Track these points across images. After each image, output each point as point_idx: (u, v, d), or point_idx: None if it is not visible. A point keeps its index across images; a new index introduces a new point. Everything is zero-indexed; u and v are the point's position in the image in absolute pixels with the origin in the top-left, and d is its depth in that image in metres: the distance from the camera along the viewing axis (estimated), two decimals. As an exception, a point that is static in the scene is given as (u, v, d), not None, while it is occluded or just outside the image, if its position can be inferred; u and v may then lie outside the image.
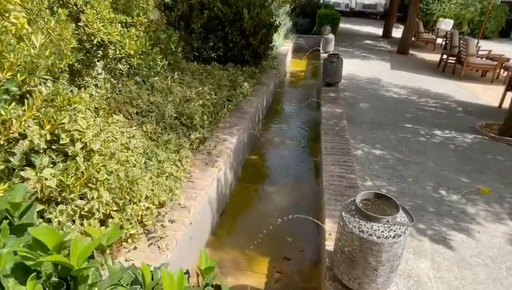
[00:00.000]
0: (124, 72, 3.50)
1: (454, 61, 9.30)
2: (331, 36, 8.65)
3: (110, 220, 2.02)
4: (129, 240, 2.21)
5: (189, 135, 3.34)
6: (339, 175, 3.16)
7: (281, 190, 3.99)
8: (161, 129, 3.16)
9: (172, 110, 3.37)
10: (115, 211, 2.02)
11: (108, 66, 3.57)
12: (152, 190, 2.42)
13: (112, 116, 2.87)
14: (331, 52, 7.54)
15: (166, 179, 2.59)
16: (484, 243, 2.79)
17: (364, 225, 1.69)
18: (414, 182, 3.65)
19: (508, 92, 6.41)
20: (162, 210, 2.50)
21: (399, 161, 4.08)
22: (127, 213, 2.06)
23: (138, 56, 3.51)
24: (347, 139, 3.96)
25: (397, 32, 14.42)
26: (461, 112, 6.15)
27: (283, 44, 9.98)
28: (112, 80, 3.45)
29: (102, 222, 2.02)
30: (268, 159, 4.77)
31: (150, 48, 3.62)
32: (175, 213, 2.53)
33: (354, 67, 8.88)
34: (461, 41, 8.71)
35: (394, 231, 1.66)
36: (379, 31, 15.71)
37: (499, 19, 16.75)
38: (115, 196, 2.03)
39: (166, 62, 3.94)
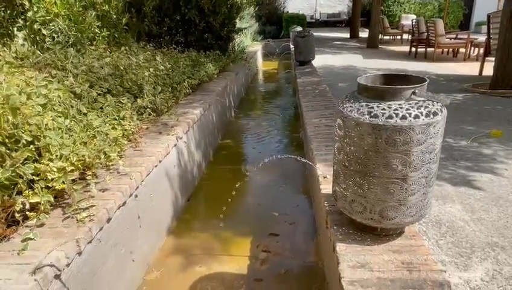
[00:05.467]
0: (49, 38, 2.84)
1: (424, 47, 9.25)
2: (300, 28, 8.38)
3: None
4: (31, 213, 1.48)
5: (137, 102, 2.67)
6: (327, 125, 2.55)
7: (261, 169, 3.32)
8: (98, 94, 2.48)
9: (113, 74, 2.71)
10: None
11: (32, 36, 2.92)
12: (72, 145, 1.71)
13: (24, 73, 2.17)
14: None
15: (94, 138, 1.89)
16: (517, 178, 2.22)
17: (378, 106, 1.06)
18: (414, 135, 3.10)
19: (487, 58, 6.24)
20: (93, 180, 1.78)
21: (392, 120, 3.55)
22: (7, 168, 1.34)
23: (66, 17, 2.87)
24: (330, 98, 3.40)
25: (363, 33, 14.61)
26: (444, 81, 5.83)
27: (252, 45, 9.67)
28: (38, 52, 2.78)
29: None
30: (243, 142, 4.12)
31: (80, 9, 2.99)
32: (110, 180, 1.82)
33: (327, 60, 8.61)
34: (429, 24, 8.66)
35: (426, 107, 1.04)
36: (346, 35, 15.94)
37: (456, 14, 17.47)
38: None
39: (108, 33, 3.31)
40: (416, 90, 1.04)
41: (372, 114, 1.05)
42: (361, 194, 1.16)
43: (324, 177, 1.73)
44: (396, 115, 1.02)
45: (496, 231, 1.68)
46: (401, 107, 1.04)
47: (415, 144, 1.03)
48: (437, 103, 1.07)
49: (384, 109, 1.05)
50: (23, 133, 1.47)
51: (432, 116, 1.02)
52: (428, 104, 1.05)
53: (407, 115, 1.02)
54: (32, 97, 1.77)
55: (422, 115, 1.02)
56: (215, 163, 3.48)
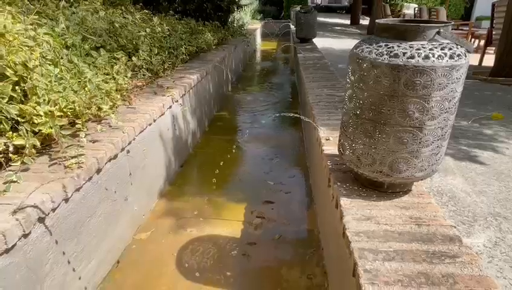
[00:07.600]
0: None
1: (425, 35, 9.15)
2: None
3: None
4: (15, 156, 1.38)
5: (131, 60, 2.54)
6: (328, 94, 2.47)
7: (256, 140, 3.25)
8: (90, 48, 2.34)
9: (108, 30, 2.55)
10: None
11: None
12: (62, 90, 1.60)
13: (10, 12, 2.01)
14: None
15: (85, 89, 1.78)
16: (519, 157, 2.19)
17: (398, 46, 0.98)
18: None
19: (488, 48, 6.23)
20: (84, 130, 1.67)
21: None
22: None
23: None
24: (332, 71, 3.30)
25: (364, 21, 14.43)
26: (444, 68, 5.77)
27: (251, 23, 9.45)
28: (30, 3, 2.59)
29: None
30: (239, 115, 4.02)
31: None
32: (102, 131, 1.72)
33: (327, 44, 8.45)
34: (432, 12, 8.56)
35: (450, 48, 0.96)
36: (347, 21, 15.72)
37: (458, 7, 17.35)
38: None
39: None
40: (441, 30, 0.96)
41: (392, 54, 0.97)
42: (371, 144, 1.09)
43: (327, 140, 1.66)
44: (419, 54, 0.94)
45: (498, 203, 1.65)
46: (423, 47, 0.96)
47: (436, 88, 0.96)
48: (461, 46, 0.99)
49: (405, 49, 0.96)
50: (7, 66, 1.34)
51: (456, 58, 0.95)
52: (453, 46, 0.98)
53: (430, 55, 0.94)
54: (18, 37, 1.64)
55: (446, 56, 0.94)
56: (210, 133, 3.39)
